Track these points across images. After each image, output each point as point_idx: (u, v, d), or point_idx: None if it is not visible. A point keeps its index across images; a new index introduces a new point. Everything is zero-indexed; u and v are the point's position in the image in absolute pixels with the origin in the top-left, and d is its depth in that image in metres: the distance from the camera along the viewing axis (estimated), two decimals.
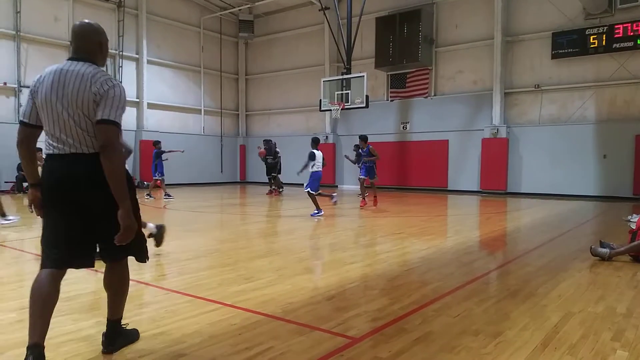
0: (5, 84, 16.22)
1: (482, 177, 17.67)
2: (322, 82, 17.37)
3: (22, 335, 3.01)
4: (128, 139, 19.75)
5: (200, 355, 2.71)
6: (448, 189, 18.62)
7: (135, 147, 19.89)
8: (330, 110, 17.16)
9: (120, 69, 19.42)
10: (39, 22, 16.98)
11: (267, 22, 24.00)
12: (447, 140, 18.65)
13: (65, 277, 4.46)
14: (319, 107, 17.66)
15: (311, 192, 10.09)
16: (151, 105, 20.56)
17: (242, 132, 25.49)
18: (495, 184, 17.33)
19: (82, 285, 4.28)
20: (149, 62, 20.43)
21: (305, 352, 2.75)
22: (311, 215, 9.94)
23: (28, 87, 16.62)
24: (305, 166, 10.24)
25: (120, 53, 19.38)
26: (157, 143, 14.70)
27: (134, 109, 20.20)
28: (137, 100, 20.20)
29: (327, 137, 21.72)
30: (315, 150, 10.22)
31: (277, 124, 24.28)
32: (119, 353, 2.73)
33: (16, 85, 16.49)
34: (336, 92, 16.76)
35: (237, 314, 3.45)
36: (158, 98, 20.82)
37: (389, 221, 9.75)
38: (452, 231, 8.58)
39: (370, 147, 12.14)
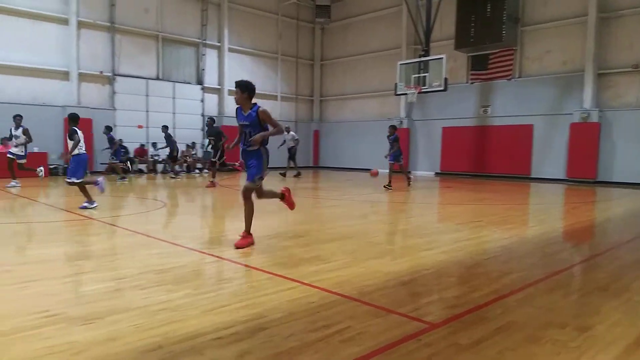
0: (101, 72, 17.54)
1: (570, 164, 16.57)
2: (398, 66, 17.08)
3: (120, 302, 3.32)
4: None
5: (281, 330, 2.83)
6: (531, 176, 17.65)
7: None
8: (406, 94, 16.86)
9: (204, 57, 20.29)
10: (131, 14, 18.12)
11: (344, 6, 23.87)
12: (532, 125, 17.63)
13: (159, 251, 4.86)
14: (394, 91, 17.41)
15: (75, 181, 7.99)
16: (232, 92, 21.32)
17: (316, 117, 25.74)
18: (584, 172, 16.17)
19: (175, 259, 4.59)
20: (230, 50, 21.16)
21: (382, 334, 2.78)
22: (80, 208, 7.87)
23: (122, 75, 17.93)
24: (76, 147, 7.98)
25: (204, 42, 20.24)
26: (110, 129, 14.85)
27: (216, 96, 21.08)
28: (219, 87, 21.06)
29: (401, 122, 21.36)
30: (77, 128, 8.09)
31: (351, 109, 24.25)
32: (205, 323, 2.91)
33: (111, 74, 17.77)
34: (413, 76, 16.42)
35: (315, 293, 3.55)
36: None
37: (466, 209, 9.46)
38: (535, 220, 8.16)
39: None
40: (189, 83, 20.08)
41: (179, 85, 19.60)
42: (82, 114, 16.20)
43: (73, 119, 8.21)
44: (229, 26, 21.06)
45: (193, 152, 19.43)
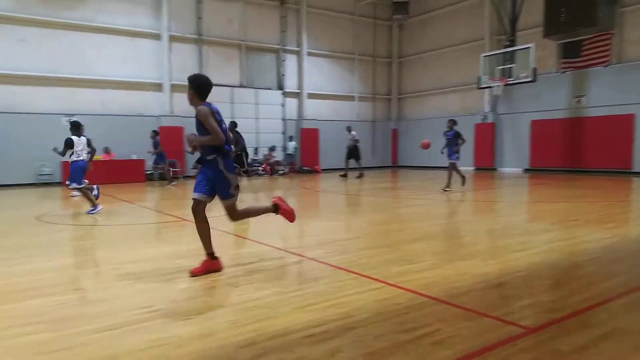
0: None
1: None
2: (481, 58, 16.42)
3: (215, 299, 3.51)
4: (290, 127, 21.18)
5: (369, 330, 2.84)
6: (633, 170, 16.14)
7: (297, 135, 21.23)
8: (491, 87, 16.18)
9: (283, 62, 20.84)
10: (217, 25, 19.07)
11: (422, 1, 23.37)
12: (633, 114, 16.11)
13: (248, 251, 5.06)
14: (477, 85, 16.76)
15: (77, 186, 8.31)
16: (310, 95, 21.72)
17: (394, 116, 25.43)
18: None
19: (263, 258, 4.76)
20: (308, 54, 21.54)
21: (475, 338, 2.69)
22: (87, 213, 8.21)
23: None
24: (61, 154, 8.36)
25: (284, 47, 20.79)
26: (157, 133, 14.77)
27: (295, 100, 21.55)
28: (299, 91, 21.50)
29: (485, 116, 20.48)
30: (74, 137, 8.28)
31: (431, 105, 23.65)
32: (295, 321, 3.00)
33: None
34: (497, 67, 15.73)
35: (401, 294, 3.52)
36: (316, 88, 21.88)
37: (560, 207, 8.86)
38: None
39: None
40: (270, 89, 20.69)
41: (261, 92, 20.27)
42: (175, 123, 17.42)
43: (74, 127, 8.33)
44: (307, 30, 21.45)
45: (274, 155, 20.05)
